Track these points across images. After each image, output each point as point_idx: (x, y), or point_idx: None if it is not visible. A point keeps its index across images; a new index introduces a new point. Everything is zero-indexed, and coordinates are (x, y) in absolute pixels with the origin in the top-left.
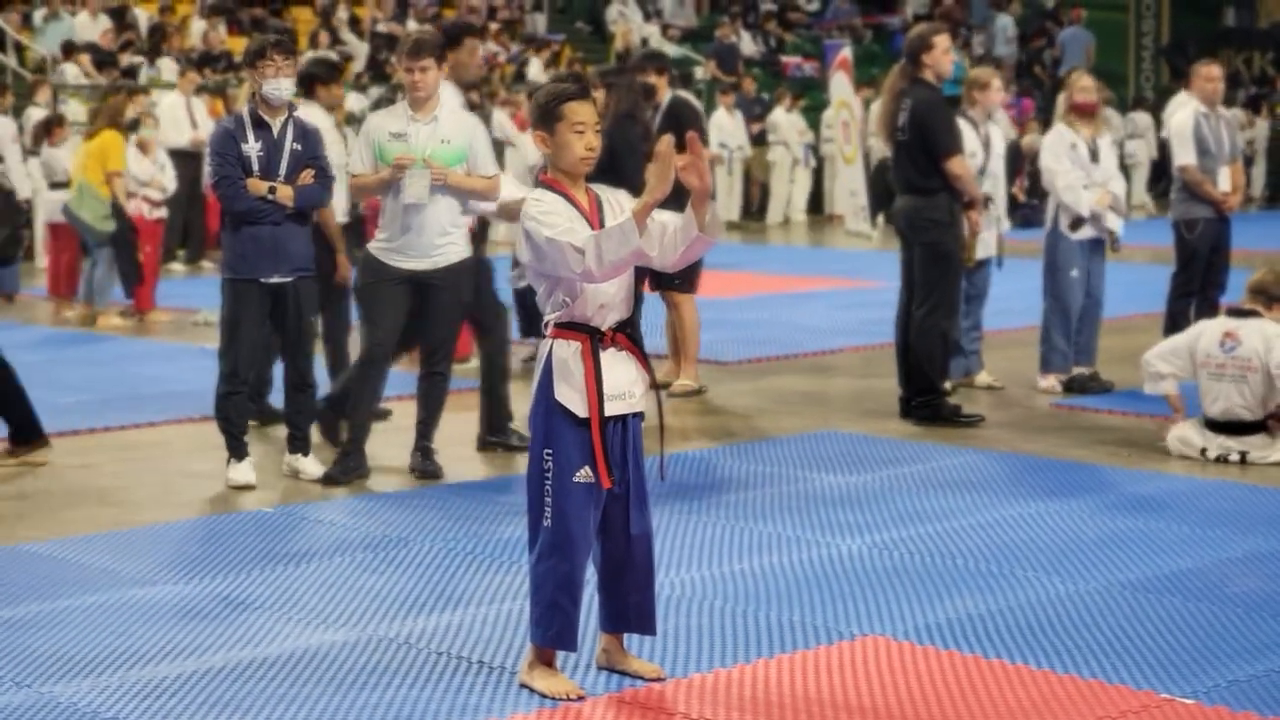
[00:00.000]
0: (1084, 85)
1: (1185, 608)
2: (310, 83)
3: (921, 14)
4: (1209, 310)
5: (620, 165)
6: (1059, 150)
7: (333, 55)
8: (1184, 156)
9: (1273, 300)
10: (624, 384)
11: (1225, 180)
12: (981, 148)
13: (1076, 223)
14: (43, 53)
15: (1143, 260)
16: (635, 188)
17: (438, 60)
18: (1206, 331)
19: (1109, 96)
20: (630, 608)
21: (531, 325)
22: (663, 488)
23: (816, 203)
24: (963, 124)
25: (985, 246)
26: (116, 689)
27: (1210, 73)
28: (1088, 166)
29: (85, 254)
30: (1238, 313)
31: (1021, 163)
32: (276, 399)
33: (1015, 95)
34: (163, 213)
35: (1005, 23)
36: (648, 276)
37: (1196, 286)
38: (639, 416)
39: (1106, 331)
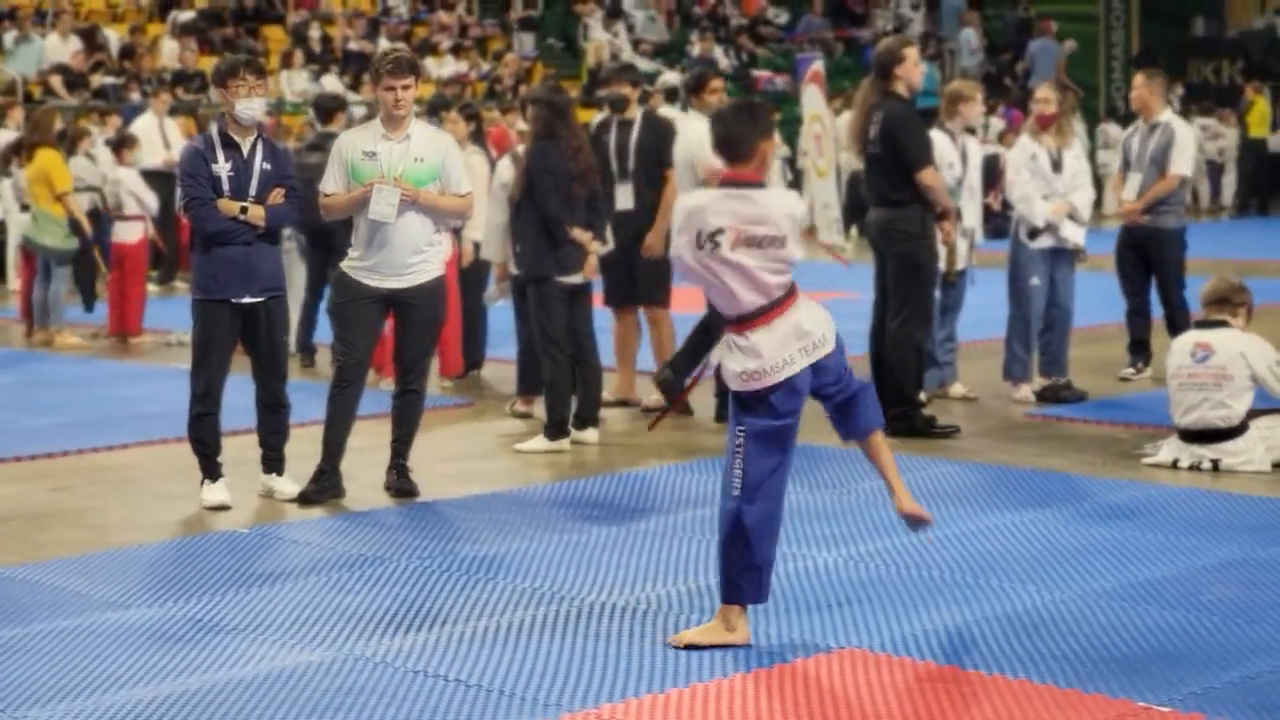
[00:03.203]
0: (1042, 97)
1: (1161, 616)
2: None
3: (888, 30)
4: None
5: (535, 186)
6: (1019, 162)
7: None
8: None
9: (1237, 306)
10: None
11: (1132, 189)
12: (959, 160)
13: (1034, 232)
14: (13, 74)
15: (1114, 270)
16: (547, 208)
17: (417, 79)
18: (1175, 345)
19: (1073, 104)
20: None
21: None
22: (637, 503)
23: None
24: (940, 136)
25: (961, 258)
26: (91, 714)
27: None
28: (1049, 177)
29: (42, 277)
30: (1207, 324)
31: (998, 174)
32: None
33: (1005, 107)
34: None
35: (969, 35)
36: (604, 292)
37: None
38: None
39: (1079, 341)
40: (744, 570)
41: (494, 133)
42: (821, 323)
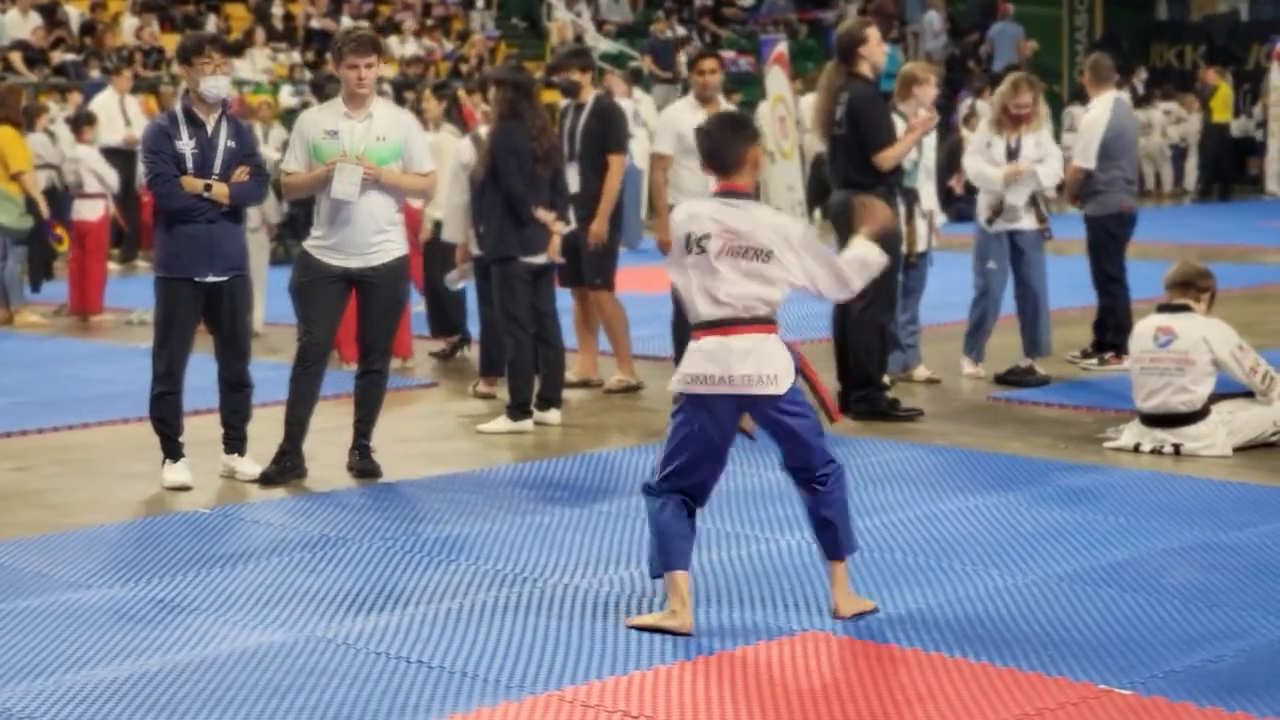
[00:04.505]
0: (1024, 102)
1: (1122, 599)
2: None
3: (859, 10)
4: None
5: (499, 166)
6: (973, 149)
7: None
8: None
9: (1200, 291)
10: None
11: None
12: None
13: (991, 217)
14: None
15: (1078, 252)
16: (512, 189)
17: (379, 58)
18: (1138, 329)
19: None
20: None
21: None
22: (599, 484)
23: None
24: (894, 119)
25: (921, 240)
26: (51, 694)
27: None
28: (1001, 165)
29: (1, 255)
30: (1170, 308)
31: (958, 158)
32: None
33: (965, 91)
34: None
35: (932, 17)
36: (557, 273)
37: None
38: None
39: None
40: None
41: (464, 112)
42: (770, 366)
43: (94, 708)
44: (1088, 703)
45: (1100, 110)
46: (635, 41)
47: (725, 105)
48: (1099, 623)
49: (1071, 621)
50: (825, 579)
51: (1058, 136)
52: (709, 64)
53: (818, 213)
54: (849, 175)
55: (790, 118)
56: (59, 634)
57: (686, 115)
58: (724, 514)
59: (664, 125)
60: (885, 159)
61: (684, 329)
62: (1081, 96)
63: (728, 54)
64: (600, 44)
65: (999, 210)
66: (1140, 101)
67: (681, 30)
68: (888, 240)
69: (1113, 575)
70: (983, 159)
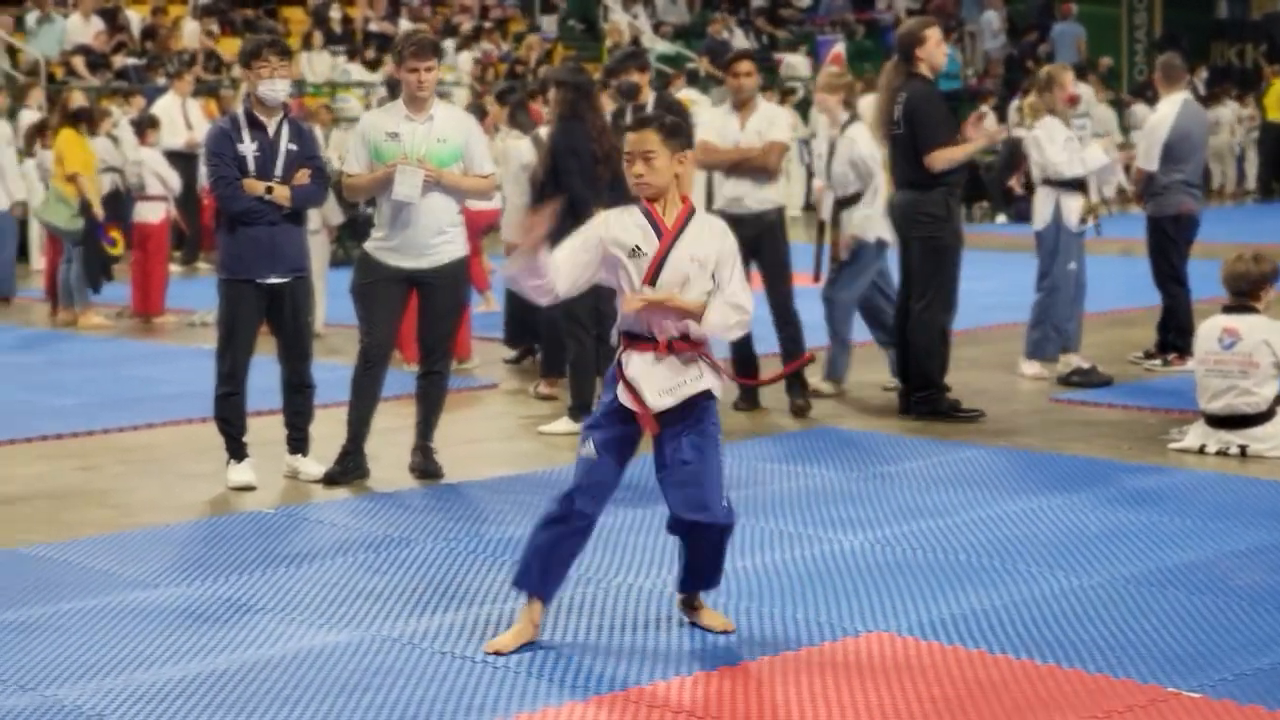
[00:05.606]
0: (1066, 80)
1: (1189, 601)
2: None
3: (914, 9)
4: None
5: (560, 166)
6: (1058, 149)
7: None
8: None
9: (1256, 287)
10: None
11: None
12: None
13: (1085, 215)
14: (36, 55)
15: (1141, 253)
16: (573, 189)
17: (439, 61)
18: (1203, 330)
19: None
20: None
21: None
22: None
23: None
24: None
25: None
26: (120, 692)
27: (735, 67)
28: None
29: (66, 257)
30: (1233, 309)
31: (1020, 158)
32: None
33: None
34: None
35: (990, 17)
36: None
37: None
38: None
39: (1105, 324)
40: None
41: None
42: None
43: (163, 706)
44: (1156, 706)
45: (1166, 111)
46: (692, 43)
47: (764, 108)
48: (1166, 625)
49: (1138, 624)
50: (889, 580)
51: (1124, 132)
52: (744, 66)
53: None
54: (908, 175)
55: None
56: (127, 632)
57: (719, 122)
58: (784, 515)
59: (702, 131)
60: (936, 160)
61: (745, 339)
62: (1142, 94)
63: (785, 55)
64: (657, 45)
65: (1092, 210)
66: (1208, 100)
67: (739, 31)
68: (943, 240)
69: (1179, 577)
70: (1070, 154)
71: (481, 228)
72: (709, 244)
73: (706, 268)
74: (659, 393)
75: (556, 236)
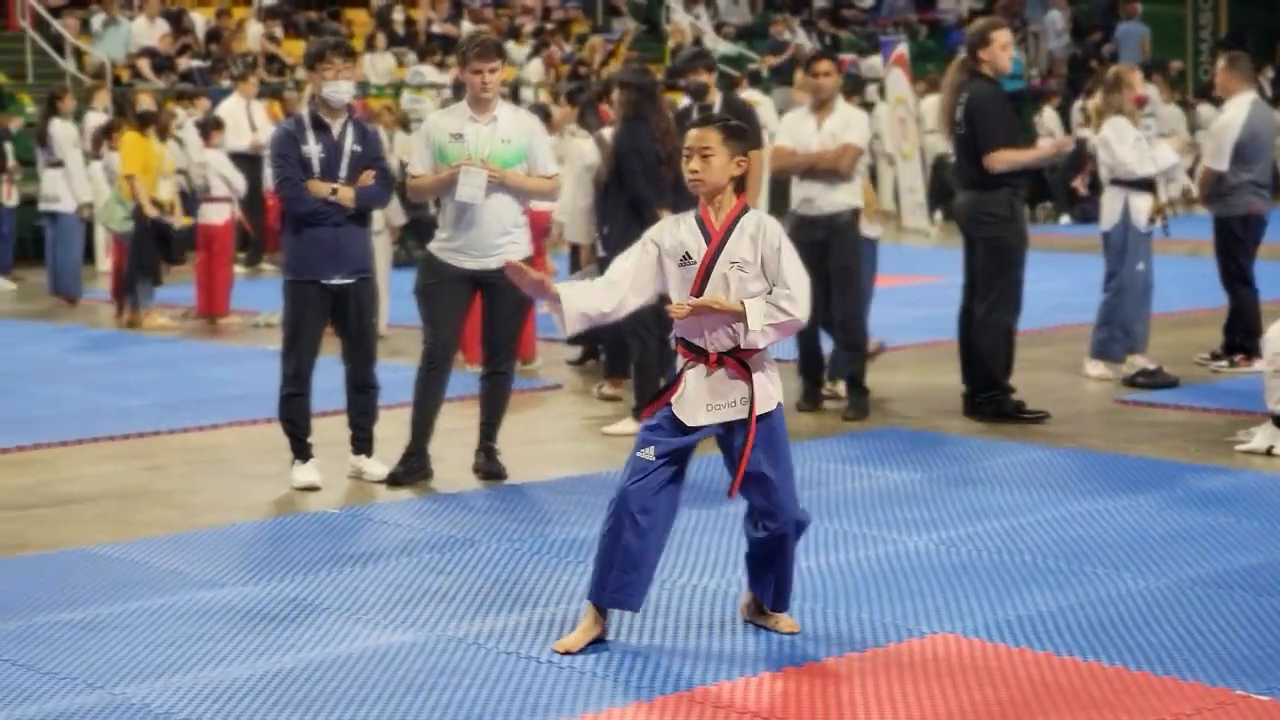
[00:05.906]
0: (1135, 80)
1: (1258, 603)
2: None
3: (977, 9)
4: None
5: (624, 167)
6: (1128, 137)
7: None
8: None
9: None
10: None
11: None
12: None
13: (1155, 215)
14: (101, 58)
15: (1209, 254)
16: (636, 190)
17: (503, 62)
18: (1271, 331)
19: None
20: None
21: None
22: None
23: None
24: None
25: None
26: (189, 690)
27: (815, 68)
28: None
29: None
30: None
31: (1085, 158)
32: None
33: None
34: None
35: (1055, 17)
36: None
37: None
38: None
39: (1172, 325)
40: None
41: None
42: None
43: (230, 704)
44: (1224, 708)
45: (1236, 112)
46: (754, 43)
47: (842, 110)
48: (1234, 627)
49: (1206, 626)
50: (955, 581)
51: (1190, 132)
52: (824, 66)
53: (939, 214)
54: (971, 175)
55: (910, 119)
56: (195, 631)
57: (795, 123)
58: (849, 516)
59: (780, 134)
60: (995, 160)
61: (811, 337)
62: (1208, 95)
63: (847, 56)
64: (719, 46)
65: (1161, 210)
66: (1276, 101)
67: (800, 32)
68: (1006, 240)
69: (1248, 579)
70: (1140, 153)
71: (545, 228)
72: (749, 244)
73: (751, 269)
74: (704, 408)
75: (621, 236)
